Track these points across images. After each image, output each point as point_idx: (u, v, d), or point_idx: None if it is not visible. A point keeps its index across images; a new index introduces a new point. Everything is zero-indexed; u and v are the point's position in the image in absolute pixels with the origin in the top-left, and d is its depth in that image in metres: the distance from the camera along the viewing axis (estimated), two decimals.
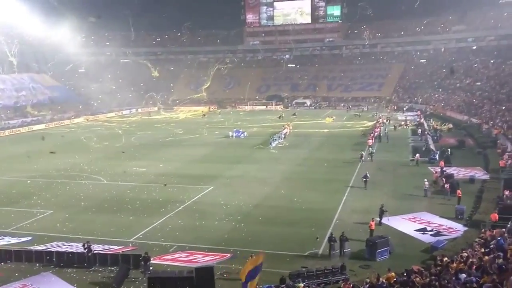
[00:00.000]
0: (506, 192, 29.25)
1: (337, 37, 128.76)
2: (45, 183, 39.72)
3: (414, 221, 28.22)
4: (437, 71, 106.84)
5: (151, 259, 22.00)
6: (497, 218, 25.12)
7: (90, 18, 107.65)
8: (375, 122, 70.17)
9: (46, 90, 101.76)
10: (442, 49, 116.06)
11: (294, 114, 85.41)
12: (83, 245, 23.01)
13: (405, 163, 44.70)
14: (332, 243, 23.62)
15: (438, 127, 63.22)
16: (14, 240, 26.42)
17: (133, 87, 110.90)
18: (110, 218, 30.23)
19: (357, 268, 21.99)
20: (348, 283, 18.32)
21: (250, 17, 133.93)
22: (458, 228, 26.52)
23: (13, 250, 24.16)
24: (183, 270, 20.98)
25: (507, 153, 42.09)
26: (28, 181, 40.33)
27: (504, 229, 21.05)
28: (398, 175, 40.20)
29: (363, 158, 45.41)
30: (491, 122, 59.28)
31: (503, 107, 63.86)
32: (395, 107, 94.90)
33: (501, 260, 15.37)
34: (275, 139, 56.65)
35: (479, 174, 38.64)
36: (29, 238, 26.82)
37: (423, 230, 26.67)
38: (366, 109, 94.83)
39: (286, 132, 62.68)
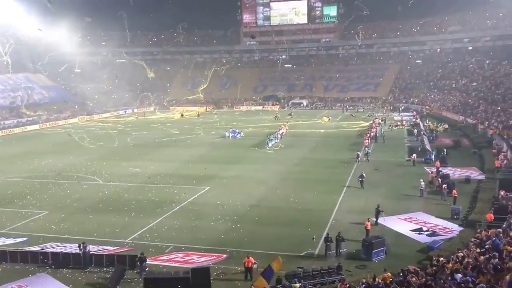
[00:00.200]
0: (502, 192, 29.36)
1: (334, 37, 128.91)
2: (40, 183, 39.55)
3: (410, 221, 28.27)
4: (433, 71, 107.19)
5: (147, 260, 21.94)
6: (493, 218, 25.21)
7: (86, 18, 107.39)
8: (371, 122, 70.28)
9: (42, 90, 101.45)
10: (438, 50, 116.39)
11: (290, 114, 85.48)
12: (79, 246, 22.94)
13: (401, 163, 44.79)
14: (328, 243, 23.62)
15: (434, 127, 63.40)
16: (9, 241, 26.30)
17: (129, 87, 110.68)
18: (106, 219, 30.12)
19: (353, 268, 22.02)
20: (344, 283, 18.32)
21: (246, 17, 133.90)
22: (453, 228, 26.59)
23: (8, 251, 24.03)
24: (179, 271, 20.95)
25: (502, 153, 42.27)
26: (20, 183, 40.16)
27: (499, 229, 21.11)
28: (394, 175, 40.25)
29: (359, 158, 45.46)
30: (487, 123, 59.49)
31: (499, 108, 64.09)
32: (391, 107, 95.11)
33: (496, 260, 15.41)
34: (272, 139, 56.61)
35: (475, 174, 38.75)
36: (25, 238, 26.69)
37: (419, 230, 26.71)
38: (361, 109, 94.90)
39: (283, 132, 62.69)
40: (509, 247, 17.13)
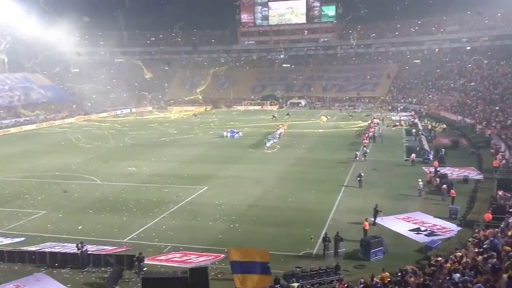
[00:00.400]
0: (500, 192, 29.37)
1: (332, 37, 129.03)
2: (38, 183, 39.49)
3: (408, 221, 28.28)
4: (431, 71, 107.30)
5: (145, 260, 21.90)
6: (491, 218, 25.23)
7: (84, 18, 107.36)
8: (369, 122, 70.31)
9: (40, 90, 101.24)
10: (436, 50, 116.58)
11: (287, 114, 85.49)
12: (77, 246, 22.89)
13: (399, 163, 44.81)
14: (326, 243, 23.62)
15: (432, 127, 63.45)
16: (7, 241, 26.22)
17: (127, 87, 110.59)
18: (104, 219, 30.08)
19: (352, 268, 22.00)
20: (343, 283, 18.34)
21: (245, 17, 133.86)
22: (452, 228, 26.60)
23: (6, 251, 23.97)
24: (177, 271, 20.91)
25: (500, 153, 42.31)
26: (18, 183, 40.10)
27: (497, 229, 21.13)
28: (393, 175, 40.28)
29: (357, 158, 45.47)
30: (485, 122, 59.54)
31: (497, 108, 64.16)
32: (390, 107, 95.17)
33: (494, 260, 15.43)
34: (270, 139, 56.58)
35: (473, 174, 38.79)
36: (22, 238, 26.62)
37: (417, 230, 26.72)
38: (359, 110, 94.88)
39: (281, 132, 62.66)
40: (507, 247, 17.14)
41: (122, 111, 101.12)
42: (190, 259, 23.06)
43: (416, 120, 71.10)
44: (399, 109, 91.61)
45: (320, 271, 20.75)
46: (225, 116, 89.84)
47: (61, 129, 75.71)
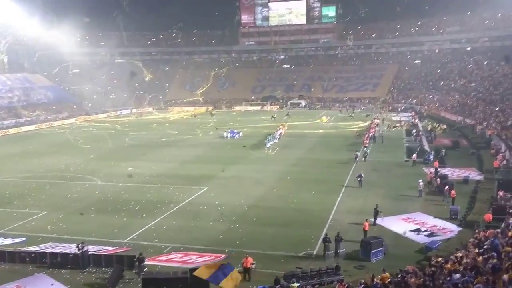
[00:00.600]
0: (500, 193, 29.37)
1: (332, 37, 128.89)
2: (39, 183, 39.50)
3: (409, 222, 28.28)
4: (431, 72, 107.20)
5: (146, 260, 21.92)
6: (491, 218, 25.24)
7: (84, 18, 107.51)
8: (369, 122, 70.30)
9: (40, 90, 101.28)
10: (437, 50, 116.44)
11: (287, 115, 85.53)
12: (77, 246, 22.91)
13: (399, 164, 44.81)
14: (326, 243, 23.62)
15: (432, 128, 63.44)
16: (8, 241, 26.27)
17: (127, 87, 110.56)
18: (104, 219, 30.11)
19: (352, 269, 22.01)
20: (343, 283, 18.34)
21: (245, 18, 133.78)
22: (452, 229, 26.59)
23: (7, 251, 24.01)
24: (178, 271, 20.93)
25: (501, 154, 42.30)
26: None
27: (498, 230, 21.13)
28: (393, 175, 40.29)
29: (357, 159, 45.47)
30: (485, 123, 59.51)
31: (497, 108, 64.08)
32: (390, 108, 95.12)
33: (495, 261, 15.43)
34: (270, 140, 56.56)
35: (473, 174, 38.78)
36: (23, 239, 26.65)
37: (417, 231, 26.72)
38: (358, 110, 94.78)
39: (281, 132, 62.66)
40: (507, 248, 17.14)
41: (121, 112, 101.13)
42: (190, 259, 23.07)
43: (417, 121, 71.11)
44: (399, 109, 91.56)
45: (320, 272, 20.77)
46: (225, 116, 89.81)
47: (61, 129, 75.73)
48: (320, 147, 54.56)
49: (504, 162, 39.27)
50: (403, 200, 32.88)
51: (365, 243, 23.39)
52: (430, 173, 38.17)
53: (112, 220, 29.85)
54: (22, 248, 24.66)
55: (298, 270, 21.05)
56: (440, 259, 18.72)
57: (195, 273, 18.30)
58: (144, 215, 30.53)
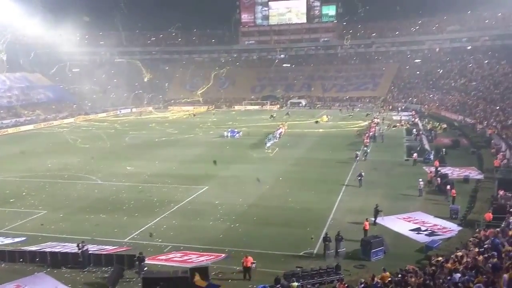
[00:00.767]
0: (500, 192, 29.35)
1: (332, 37, 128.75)
2: (39, 183, 39.49)
3: (409, 221, 28.26)
4: (431, 71, 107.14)
5: (146, 259, 21.91)
6: (491, 217, 25.21)
7: (84, 18, 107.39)
8: (369, 122, 70.27)
9: (40, 90, 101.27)
10: (437, 49, 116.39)
11: (287, 114, 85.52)
12: (78, 245, 22.89)
13: (400, 163, 44.79)
14: (327, 243, 23.61)
15: (432, 127, 63.40)
16: (8, 241, 26.25)
17: (127, 87, 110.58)
18: (104, 218, 30.09)
19: (352, 268, 21.99)
20: (343, 283, 18.33)
21: (245, 17, 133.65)
22: (452, 228, 26.58)
23: (7, 251, 24.02)
24: (178, 270, 20.93)
25: (501, 153, 42.29)
26: (19, 182, 40.10)
27: (498, 229, 21.11)
28: (393, 175, 40.27)
29: (357, 158, 45.44)
30: (485, 122, 59.50)
31: (497, 107, 64.08)
32: (390, 107, 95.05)
33: (495, 260, 15.42)
34: (270, 139, 56.55)
35: (474, 173, 38.74)
36: (23, 238, 26.64)
37: (417, 230, 26.71)
38: (357, 109, 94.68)
39: (281, 132, 62.64)
40: (508, 247, 17.13)
41: (120, 111, 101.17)
42: (190, 259, 23.06)
43: (417, 120, 71.06)
44: (399, 108, 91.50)
45: (320, 271, 20.75)
46: (225, 116, 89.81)
47: (61, 129, 75.68)
48: (320, 147, 54.49)
49: (505, 161, 39.24)
50: (403, 199, 32.86)
51: (366, 243, 23.38)
52: (431, 172, 38.12)
53: (112, 220, 29.84)
54: (22, 248, 24.66)
55: (299, 269, 21.02)
56: (440, 258, 18.71)
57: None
58: (144, 215, 30.48)
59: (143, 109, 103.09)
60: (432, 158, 43.92)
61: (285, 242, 25.23)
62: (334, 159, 46.82)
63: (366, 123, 70.61)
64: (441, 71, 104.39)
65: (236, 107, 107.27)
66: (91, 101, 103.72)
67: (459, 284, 14.15)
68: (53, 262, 23.00)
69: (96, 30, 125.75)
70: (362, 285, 17.10)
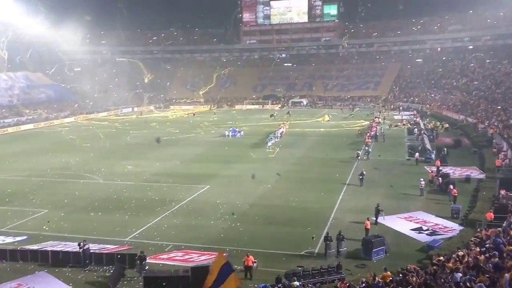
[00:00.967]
0: (502, 192, 29.30)
1: (334, 36, 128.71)
2: (40, 182, 39.54)
3: (410, 220, 28.24)
4: (433, 70, 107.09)
5: (147, 259, 21.93)
6: (493, 217, 25.19)
7: (86, 17, 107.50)
8: (371, 121, 70.22)
9: (41, 89, 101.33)
10: (439, 49, 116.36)
11: (288, 113, 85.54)
12: (79, 244, 22.92)
13: (401, 163, 44.75)
14: (328, 242, 23.60)
15: (433, 127, 63.34)
16: (9, 239, 26.31)
17: (128, 86, 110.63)
18: (106, 217, 30.11)
19: (353, 268, 22.00)
20: (344, 282, 18.31)
21: (246, 16, 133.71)
22: (453, 228, 26.55)
23: (8, 250, 24.03)
24: (179, 269, 20.95)
25: (502, 153, 42.27)
26: (20, 181, 40.12)
27: (499, 229, 21.09)
28: (394, 174, 40.23)
29: (359, 158, 45.40)
30: (487, 122, 59.46)
31: (499, 107, 64.04)
32: (392, 107, 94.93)
33: (496, 259, 15.39)
34: (271, 138, 56.55)
35: (475, 173, 38.70)
36: (24, 237, 26.68)
37: (419, 230, 26.69)
38: (357, 108, 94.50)
39: (282, 131, 62.64)
40: (509, 247, 17.10)
41: (122, 111, 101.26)
42: (191, 258, 23.11)
43: (418, 120, 71.00)
44: (401, 108, 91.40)
45: (321, 270, 20.75)
46: (226, 115, 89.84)
47: (61, 128, 75.76)
48: (322, 146, 54.43)
49: (506, 161, 39.22)
50: (404, 199, 32.84)
51: (367, 242, 23.37)
52: (432, 172, 38.08)
53: (113, 219, 29.85)
54: (24, 247, 24.69)
55: (300, 268, 21.03)
56: (441, 258, 18.69)
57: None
58: (145, 214, 30.51)
59: (144, 108, 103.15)
60: (433, 158, 43.88)
61: (286, 242, 25.22)
62: (335, 158, 46.79)
63: (368, 122, 70.55)
64: (443, 70, 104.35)
65: (237, 107, 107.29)
66: (93, 100, 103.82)
67: (460, 283, 14.13)
68: (55, 261, 23.01)
69: (98, 29, 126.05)
70: (363, 284, 17.08)
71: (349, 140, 57.07)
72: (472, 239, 21.54)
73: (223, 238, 25.96)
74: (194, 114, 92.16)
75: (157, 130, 70.43)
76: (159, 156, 49.85)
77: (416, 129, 60.86)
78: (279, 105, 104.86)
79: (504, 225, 22.16)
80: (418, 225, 27.34)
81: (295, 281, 19.06)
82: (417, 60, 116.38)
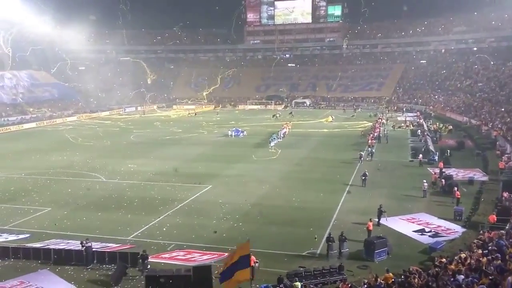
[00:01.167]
0: (505, 194, 29.19)
1: (338, 37, 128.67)
2: (43, 180, 39.65)
3: (413, 222, 28.18)
4: (437, 72, 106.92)
5: (149, 257, 21.96)
6: (496, 219, 25.12)
7: (90, 16, 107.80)
8: (374, 122, 70.12)
9: (45, 87, 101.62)
10: (443, 50, 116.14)
11: (290, 113, 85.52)
12: (81, 243, 22.96)
13: (404, 164, 44.66)
14: (330, 243, 23.57)
15: (437, 128, 63.20)
16: (12, 237, 26.37)
17: (132, 85, 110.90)
18: (108, 216, 30.16)
19: (355, 269, 21.96)
20: (346, 283, 18.29)
21: (250, 16, 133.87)
22: (456, 230, 26.48)
23: (11, 247, 24.09)
24: (181, 269, 20.96)
25: (506, 155, 42.12)
26: (23, 179, 40.25)
27: (502, 231, 21.03)
28: (397, 175, 40.16)
29: (362, 158, 45.33)
30: (491, 124, 59.27)
31: (503, 109, 63.84)
32: (395, 108, 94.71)
33: (499, 262, 15.36)
34: (274, 139, 56.57)
35: (478, 175, 38.59)
36: (27, 235, 26.74)
37: (421, 231, 26.62)
38: (359, 109, 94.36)
39: (285, 131, 62.64)
40: None
41: (125, 110, 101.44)
42: (193, 257, 23.11)
43: (422, 121, 70.87)
44: (404, 109, 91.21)
45: (323, 271, 20.73)
46: (229, 115, 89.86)
47: (64, 127, 75.91)
48: (324, 147, 54.43)
49: (510, 163, 39.03)
50: (407, 200, 32.75)
51: (369, 243, 23.33)
52: (435, 173, 38.02)
53: (116, 217, 29.90)
54: (26, 244, 24.75)
55: (301, 269, 21.02)
56: (444, 259, 18.65)
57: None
58: (148, 213, 30.55)
59: (148, 107, 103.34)
60: (436, 159, 43.80)
61: (288, 242, 25.21)
62: (338, 159, 46.76)
63: (371, 123, 70.46)
64: (447, 72, 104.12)
65: (240, 107, 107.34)
66: (97, 99, 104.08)
67: (463, 285, 14.11)
68: (57, 259, 23.06)
69: (102, 28, 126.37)
70: (365, 285, 17.09)
71: (352, 141, 56.98)
72: (475, 241, 21.48)
73: (225, 238, 25.93)
74: (195, 114, 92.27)
75: (160, 129, 70.58)
76: (161, 155, 49.91)
77: (419, 131, 60.75)
78: (282, 106, 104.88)
79: (507, 227, 22.11)
80: (420, 227, 27.28)
81: (297, 281, 19.06)
82: (421, 61, 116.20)
